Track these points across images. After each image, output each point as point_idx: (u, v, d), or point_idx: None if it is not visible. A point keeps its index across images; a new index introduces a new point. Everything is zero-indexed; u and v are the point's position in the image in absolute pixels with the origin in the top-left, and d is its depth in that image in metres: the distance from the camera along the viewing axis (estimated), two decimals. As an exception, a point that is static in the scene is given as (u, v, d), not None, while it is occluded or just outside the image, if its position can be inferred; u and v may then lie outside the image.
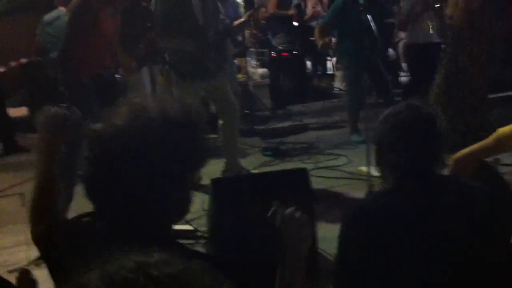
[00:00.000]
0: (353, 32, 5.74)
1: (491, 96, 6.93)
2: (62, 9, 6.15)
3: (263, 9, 9.30)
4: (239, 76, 8.34)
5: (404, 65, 9.45)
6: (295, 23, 8.70)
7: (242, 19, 7.59)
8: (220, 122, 5.14)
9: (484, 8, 5.43)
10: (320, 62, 9.50)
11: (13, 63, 6.88)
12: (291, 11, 8.53)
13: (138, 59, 5.36)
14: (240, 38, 7.68)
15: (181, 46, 4.73)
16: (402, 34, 8.95)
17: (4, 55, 7.07)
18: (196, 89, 4.87)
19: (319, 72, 9.69)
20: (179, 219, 1.45)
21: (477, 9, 5.42)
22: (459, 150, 2.77)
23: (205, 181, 4.31)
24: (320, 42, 6.12)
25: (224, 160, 5.14)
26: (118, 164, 1.24)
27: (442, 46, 5.88)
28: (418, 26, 6.65)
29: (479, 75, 5.52)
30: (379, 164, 2.13)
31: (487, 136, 2.86)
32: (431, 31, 6.62)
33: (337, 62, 8.57)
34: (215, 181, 3.43)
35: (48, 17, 6.49)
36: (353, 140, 6.05)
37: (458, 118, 5.44)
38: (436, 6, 6.29)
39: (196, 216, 3.98)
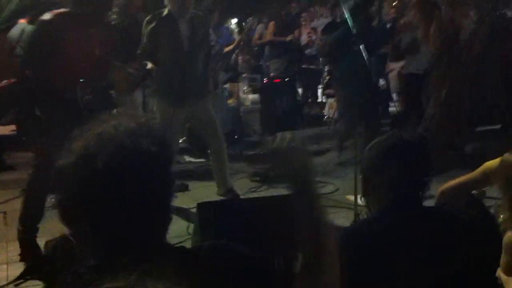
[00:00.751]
0: (348, 61, 5.89)
1: (483, 128, 7.02)
2: (23, 21, 6.04)
3: (256, 36, 9.40)
4: (230, 101, 8.39)
5: (394, 95, 9.54)
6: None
7: (233, 44, 7.69)
8: (209, 150, 5.18)
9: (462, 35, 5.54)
10: (311, 90, 9.57)
11: (4, 82, 6.86)
12: (290, 37, 8.61)
13: (131, 80, 5.35)
14: (232, 64, 7.73)
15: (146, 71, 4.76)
16: (394, 65, 9.06)
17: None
18: (178, 115, 4.91)
19: (310, 100, 9.76)
20: (160, 236, 1.38)
21: (453, 35, 5.51)
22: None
23: (192, 204, 4.32)
24: None
25: (214, 183, 5.14)
26: (90, 191, 1.22)
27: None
28: (417, 56, 6.80)
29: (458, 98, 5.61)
30: (365, 193, 2.14)
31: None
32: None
33: (324, 89, 8.64)
34: (201, 205, 3.41)
35: (14, 34, 6.30)
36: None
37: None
38: None
39: (181, 240, 3.95)
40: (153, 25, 4.82)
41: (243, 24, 10.44)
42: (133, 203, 1.22)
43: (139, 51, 4.95)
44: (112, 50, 5.11)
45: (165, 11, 4.81)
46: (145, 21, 4.90)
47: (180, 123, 5.09)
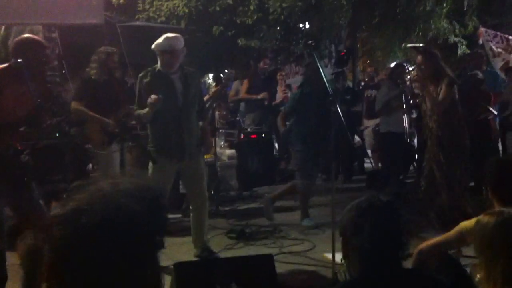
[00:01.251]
0: (309, 118, 6.14)
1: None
2: None
3: (232, 92, 9.52)
4: (207, 156, 8.39)
5: (368, 151, 9.69)
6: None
7: (210, 95, 7.76)
8: (191, 206, 5.13)
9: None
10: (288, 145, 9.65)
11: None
12: (263, 95, 8.73)
13: (108, 135, 5.35)
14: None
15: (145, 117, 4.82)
16: (368, 122, 9.24)
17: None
18: (171, 169, 4.91)
19: (286, 155, 9.82)
20: None
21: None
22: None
23: (167, 262, 4.26)
24: (282, 128, 6.51)
25: (189, 241, 5.08)
26: (78, 248, 1.21)
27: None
28: (392, 116, 7.03)
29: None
30: (345, 254, 2.14)
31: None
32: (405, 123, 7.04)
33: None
34: (177, 265, 3.36)
35: None
36: (303, 224, 6.11)
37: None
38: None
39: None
40: (148, 79, 4.85)
41: (221, 75, 10.59)
42: (115, 263, 1.21)
43: (135, 105, 4.96)
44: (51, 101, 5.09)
45: (157, 67, 4.87)
46: (139, 77, 4.94)
47: (171, 178, 5.05)
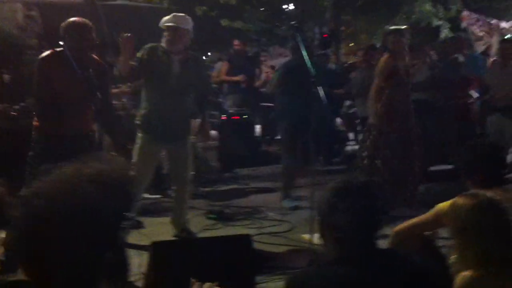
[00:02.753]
0: (292, 93, 6.05)
1: (440, 168, 7.18)
2: None
3: (215, 73, 9.47)
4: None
5: (350, 134, 9.73)
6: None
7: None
8: (172, 187, 5.12)
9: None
10: (269, 127, 9.64)
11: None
12: (239, 78, 8.69)
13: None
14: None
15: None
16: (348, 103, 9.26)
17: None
18: (156, 149, 4.90)
19: (267, 137, 9.82)
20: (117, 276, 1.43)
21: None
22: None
23: (146, 242, 4.25)
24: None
25: (168, 221, 5.07)
26: (46, 229, 1.27)
27: None
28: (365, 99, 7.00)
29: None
30: (322, 235, 2.15)
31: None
32: None
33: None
34: (156, 245, 3.35)
35: None
36: (283, 205, 6.11)
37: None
38: None
39: (133, 279, 3.86)
40: (146, 52, 4.74)
41: (204, 58, 10.52)
42: (73, 243, 1.27)
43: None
44: None
45: (161, 44, 4.79)
46: (143, 47, 4.83)
47: (156, 159, 5.03)
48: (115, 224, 1.35)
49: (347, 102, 9.21)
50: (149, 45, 4.82)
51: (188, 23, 4.78)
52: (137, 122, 4.87)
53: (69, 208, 1.27)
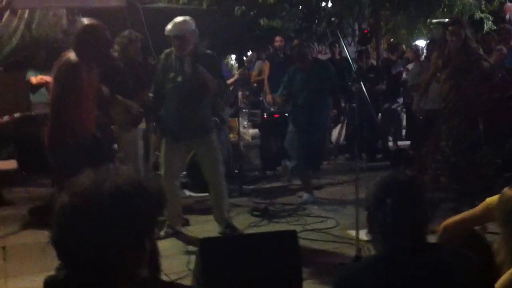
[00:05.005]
0: (296, 98, 6.29)
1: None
2: None
3: (254, 72, 9.50)
4: (231, 136, 8.43)
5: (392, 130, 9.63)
6: None
7: (234, 78, 7.77)
8: (209, 186, 5.20)
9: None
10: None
11: (6, 118, 6.93)
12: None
13: (132, 117, 5.42)
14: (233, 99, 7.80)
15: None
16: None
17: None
18: (178, 149, 5.01)
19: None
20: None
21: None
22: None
23: (192, 239, 4.31)
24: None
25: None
26: (78, 231, 1.39)
27: None
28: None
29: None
30: (370, 231, 2.15)
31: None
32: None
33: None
34: (203, 241, 3.40)
35: None
36: (303, 199, 6.28)
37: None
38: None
39: (181, 276, 3.93)
40: (162, 60, 5.02)
41: (244, 58, 10.54)
42: (109, 239, 1.40)
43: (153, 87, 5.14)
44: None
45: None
46: (159, 57, 5.12)
47: (181, 158, 5.13)
48: (152, 218, 1.49)
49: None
50: (166, 50, 5.04)
51: (190, 26, 4.87)
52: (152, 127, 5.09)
53: (108, 209, 1.39)
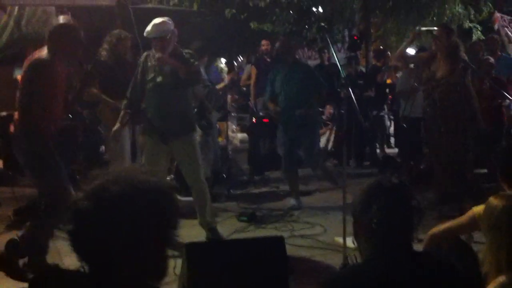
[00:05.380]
0: (278, 100, 6.26)
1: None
2: None
3: (244, 76, 9.49)
4: (219, 139, 8.41)
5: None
6: None
7: (224, 83, 7.76)
8: (191, 187, 5.17)
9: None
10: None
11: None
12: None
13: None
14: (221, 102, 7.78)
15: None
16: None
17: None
18: (160, 150, 4.96)
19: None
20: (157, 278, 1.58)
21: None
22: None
23: (178, 243, 4.27)
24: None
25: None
26: (95, 230, 1.41)
27: None
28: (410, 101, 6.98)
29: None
30: (356, 237, 2.15)
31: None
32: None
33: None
34: (189, 246, 3.38)
35: None
36: (289, 204, 6.28)
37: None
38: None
39: (167, 281, 3.90)
40: (142, 61, 5.02)
41: (235, 63, 10.52)
42: (123, 240, 1.41)
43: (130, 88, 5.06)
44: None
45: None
46: (142, 56, 5.09)
47: (164, 158, 5.10)
48: (154, 226, 1.49)
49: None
50: (145, 52, 5.06)
51: (169, 27, 4.88)
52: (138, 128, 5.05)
53: (127, 203, 1.41)
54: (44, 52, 4.25)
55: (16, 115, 4.34)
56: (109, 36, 5.78)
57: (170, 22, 4.91)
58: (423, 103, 6.01)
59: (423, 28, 6.13)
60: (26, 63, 4.32)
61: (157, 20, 4.88)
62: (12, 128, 4.34)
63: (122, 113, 5.11)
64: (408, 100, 6.87)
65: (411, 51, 8.69)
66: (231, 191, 6.92)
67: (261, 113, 8.19)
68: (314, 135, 6.51)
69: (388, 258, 1.98)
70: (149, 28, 4.85)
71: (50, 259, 4.32)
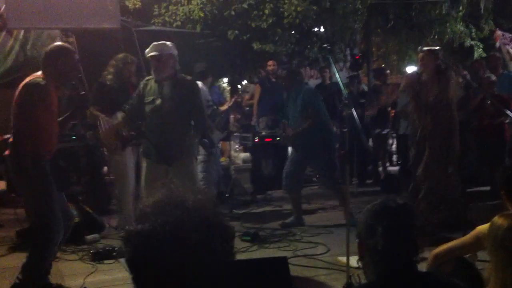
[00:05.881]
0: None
1: (469, 190, 7.08)
2: None
3: (247, 96, 9.53)
4: (222, 159, 8.42)
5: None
6: None
7: (228, 104, 7.80)
8: None
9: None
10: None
11: (-4, 138, 6.89)
12: None
13: (122, 140, 5.42)
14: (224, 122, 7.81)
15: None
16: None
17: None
18: (159, 171, 4.93)
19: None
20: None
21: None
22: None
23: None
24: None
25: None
26: (152, 256, 1.35)
27: None
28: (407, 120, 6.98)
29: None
30: (361, 257, 2.14)
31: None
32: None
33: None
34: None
35: None
36: (287, 221, 6.33)
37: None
38: None
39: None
40: (142, 84, 5.07)
41: (239, 86, 10.58)
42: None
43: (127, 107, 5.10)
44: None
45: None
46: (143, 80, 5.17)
47: (162, 179, 5.10)
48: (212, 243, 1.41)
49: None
50: (147, 77, 5.13)
51: (170, 49, 4.95)
52: (141, 149, 5.05)
53: (183, 224, 1.35)
54: (38, 74, 4.25)
55: (11, 138, 4.29)
56: (114, 60, 5.83)
57: (171, 46, 4.97)
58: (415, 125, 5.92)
59: (425, 48, 6.15)
60: (20, 86, 4.26)
61: (158, 42, 4.99)
62: (7, 151, 4.29)
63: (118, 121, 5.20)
64: (409, 119, 6.86)
65: (412, 69, 8.72)
66: (234, 210, 6.91)
67: (263, 133, 8.22)
68: (325, 156, 6.44)
69: (393, 279, 1.98)
70: (148, 48, 4.95)
71: (52, 279, 4.32)
